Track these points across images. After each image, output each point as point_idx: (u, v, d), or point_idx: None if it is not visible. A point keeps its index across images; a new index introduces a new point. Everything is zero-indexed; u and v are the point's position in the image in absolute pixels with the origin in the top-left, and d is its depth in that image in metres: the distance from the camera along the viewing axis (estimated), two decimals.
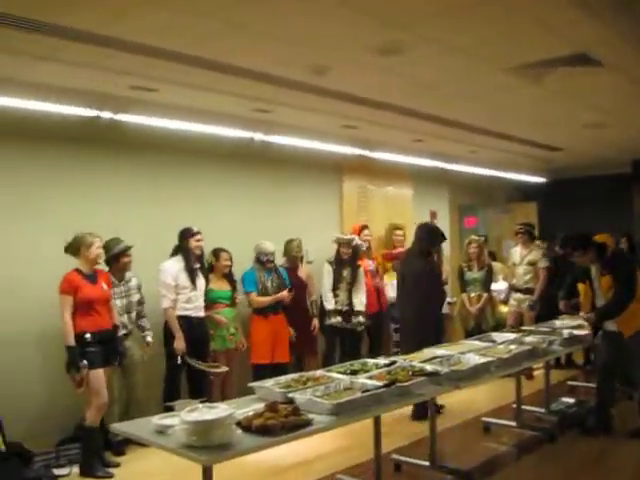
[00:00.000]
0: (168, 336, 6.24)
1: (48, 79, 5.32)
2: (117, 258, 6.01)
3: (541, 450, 5.74)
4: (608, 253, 5.94)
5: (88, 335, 5.28)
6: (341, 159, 8.75)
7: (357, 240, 7.74)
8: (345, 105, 6.47)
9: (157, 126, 6.35)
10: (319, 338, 7.72)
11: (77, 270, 5.39)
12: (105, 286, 5.54)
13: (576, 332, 6.16)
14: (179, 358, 6.15)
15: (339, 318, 7.47)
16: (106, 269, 5.94)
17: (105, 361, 5.41)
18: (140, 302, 6.22)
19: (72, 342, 5.22)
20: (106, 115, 5.90)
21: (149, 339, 6.22)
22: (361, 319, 7.59)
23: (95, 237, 5.43)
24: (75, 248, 5.40)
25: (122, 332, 5.92)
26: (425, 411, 5.62)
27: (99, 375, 5.33)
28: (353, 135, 8.10)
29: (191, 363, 6.16)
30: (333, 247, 7.74)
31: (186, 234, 6.33)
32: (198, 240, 6.33)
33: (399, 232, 8.95)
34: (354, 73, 5.53)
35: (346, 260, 7.63)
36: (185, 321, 6.22)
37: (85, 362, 5.20)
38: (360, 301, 7.63)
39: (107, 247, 5.89)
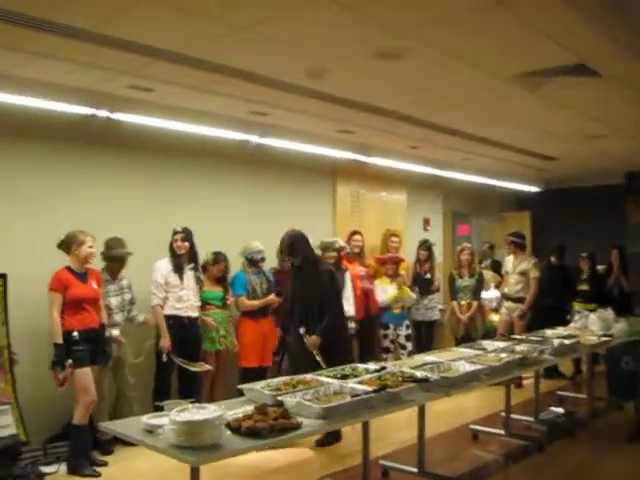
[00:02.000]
0: (158, 335, 6.24)
1: (45, 76, 5.31)
2: (113, 259, 6.03)
3: (529, 459, 5.73)
4: None
5: (75, 333, 5.28)
6: (335, 163, 8.76)
7: (340, 242, 7.70)
8: (341, 109, 6.47)
9: (153, 126, 6.35)
10: None
11: (67, 268, 5.39)
12: (95, 285, 5.53)
13: (567, 342, 6.17)
14: (164, 356, 6.15)
15: None
16: (102, 264, 5.98)
17: (92, 360, 5.39)
18: (131, 301, 6.23)
19: (60, 340, 5.22)
20: (102, 114, 5.90)
21: (140, 318, 6.23)
22: (352, 324, 7.56)
23: (87, 235, 5.42)
24: (67, 245, 5.40)
25: (116, 332, 5.93)
26: (332, 437, 5.70)
27: (86, 373, 5.31)
28: (348, 139, 8.10)
29: (176, 361, 6.15)
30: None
31: (172, 234, 6.35)
32: (176, 240, 6.33)
33: (395, 239, 8.95)
34: (351, 77, 5.53)
35: (332, 264, 7.60)
36: (175, 320, 6.22)
37: (70, 361, 5.19)
38: (350, 305, 7.59)
39: (108, 245, 5.96)
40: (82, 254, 5.40)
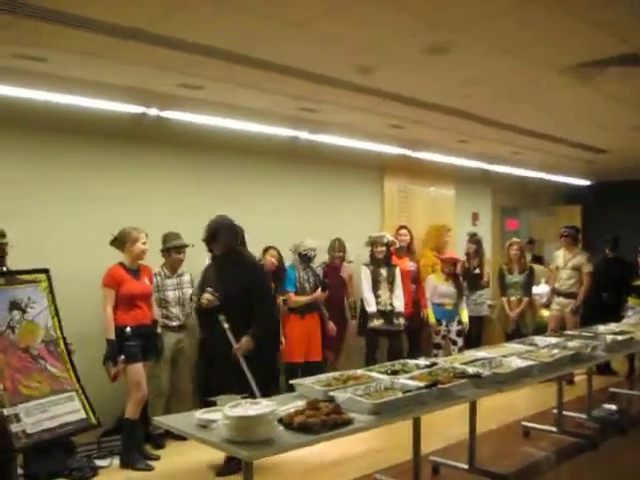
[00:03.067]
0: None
1: (97, 76, 5.40)
2: (169, 252, 6.13)
3: (581, 457, 5.66)
4: None
5: (128, 329, 5.36)
6: (383, 158, 8.74)
7: (388, 237, 7.70)
8: (390, 104, 6.46)
9: (202, 123, 6.41)
10: (359, 340, 7.71)
11: (121, 264, 5.48)
12: (147, 282, 5.62)
13: (619, 338, 6.07)
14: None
15: (381, 320, 7.44)
16: (162, 261, 6.11)
17: (144, 356, 5.47)
18: (192, 298, 6.26)
19: (112, 335, 5.31)
20: (153, 112, 5.98)
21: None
22: (402, 320, 7.57)
23: (141, 232, 5.50)
24: (121, 242, 5.48)
25: (175, 323, 6.06)
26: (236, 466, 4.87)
27: (138, 369, 5.40)
28: (397, 135, 8.08)
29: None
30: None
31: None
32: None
33: (450, 234, 8.95)
34: (400, 72, 5.51)
35: (382, 259, 7.61)
36: None
37: (122, 356, 5.28)
38: (399, 301, 7.60)
39: (164, 239, 6.11)
40: (136, 251, 5.48)
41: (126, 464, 5.39)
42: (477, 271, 8.72)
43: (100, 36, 4.35)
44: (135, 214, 6.07)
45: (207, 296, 5.32)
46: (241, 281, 5.31)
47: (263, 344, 5.33)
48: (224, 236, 5.34)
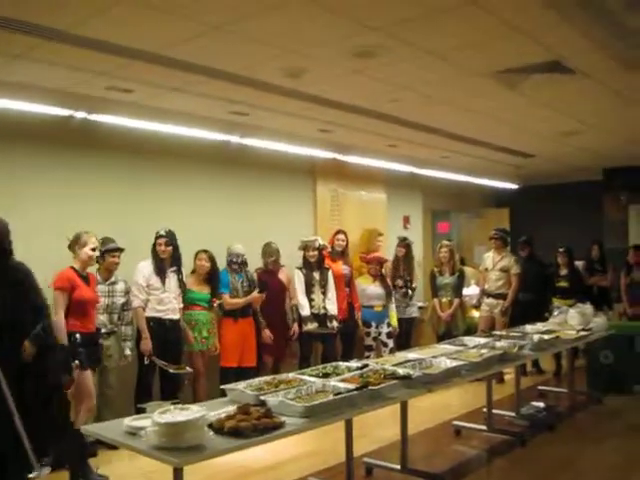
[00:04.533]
0: (139, 337, 6.23)
1: (22, 78, 5.28)
2: (103, 256, 5.98)
3: (512, 454, 5.77)
4: None
5: (78, 335, 5.14)
6: (314, 162, 8.78)
7: (320, 241, 7.73)
8: (320, 109, 6.49)
9: (132, 127, 6.33)
10: (295, 343, 7.71)
11: (73, 268, 5.22)
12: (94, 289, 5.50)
13: (546, 337, 6.21)
14: (146, 358, 6.14)
15: (315, 324, 7.45)
16: (96, 266, 5.95)
17: (90, 364, 5.31)
18: (125, 307, 6.20)
19: (66, 341, 5.02)
20: (80, 115, 5.88)
21: (127, 352, 6.19)
22: (335, 323, 7.60)
23: (91, 237, 5.26)
24: (72, 245, 5.26)
25: (102, 331, 5.89)
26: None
27: (89, 376, 5.24)
28: (327, 139, 8.11)
29: (157, 363, 6.13)
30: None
31: (155, 237, 6.34)
32: (160, 244, 6.31)
33: (381, 238, 9.04)
34: (329, 76, 5.54)
35: (314, 263, 7.63)
36: (156, 322, 6.21)
37: (77, 362, 5.07)
38: (332, 304, 7.64)
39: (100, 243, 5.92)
40: (83, 255, 5.21)
41: (81, 477, 5.11)
42: (405, 286, 8.76)
43: (25, 37, 4.26)
44: (61, 219, 5.98)
45: None
46: (7, 284, 4.57)
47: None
48: None
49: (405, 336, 8.59)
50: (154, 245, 6.32)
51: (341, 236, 8.35)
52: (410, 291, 8.68)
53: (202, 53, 4.83)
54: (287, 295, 7.66)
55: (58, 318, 5.03)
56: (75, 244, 5.25)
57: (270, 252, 7.47)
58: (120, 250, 6.07)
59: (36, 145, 6.07)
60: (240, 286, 6.98)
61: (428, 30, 4.46)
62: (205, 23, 4.22)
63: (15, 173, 5.92)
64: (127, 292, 6.22)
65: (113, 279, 6.13)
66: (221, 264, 6.98)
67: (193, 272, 6.76)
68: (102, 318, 5.96)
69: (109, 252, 6.01)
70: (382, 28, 4.39)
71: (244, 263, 7.07)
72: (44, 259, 5.32)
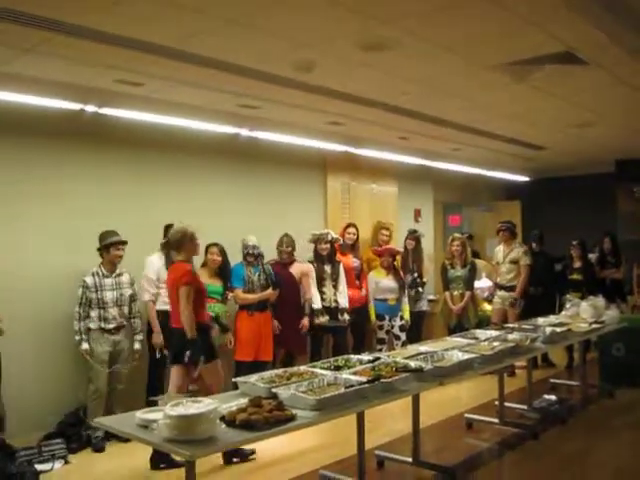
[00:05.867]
0: (150, 331, 6.26)
1: (32, 72, 5.28)
2: (107, 249, 5.99)
3: (523, 447, 5.76)
4: None
5: (203, 326, 5.18)
6: (325, 155, 8.76)
7: (332, 234, 7.72)
8: (330, 101, 6.47)
9: (142, 120, 6.34)
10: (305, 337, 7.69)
11: (185, 262, 5.22)
12: None
13: (558, 330, 6.19)
14: (157, 352, 6.15)
15: (327, 317, 7.45)
16: (99, 260, 5.99)
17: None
18: (133, 298, 6.21)
19: (195, 334, 4.99)
20: (90, 109, 5.89)
21: (137, 346, 6.20)
22: (346, 316, 7.60)
23: (194, 229, 5.30)
24: (178, 242, 5.24)
25: (112, 325, 5.96)
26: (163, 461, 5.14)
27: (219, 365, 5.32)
28: (338, 131, 8.09)
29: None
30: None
31: (169, 229, 6.32)
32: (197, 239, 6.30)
33: (385, 232, 8.97)
34: (339, 69, 5.52)
35: (325, 256, 7.62)
36: (167, 316, 6.20)
37: (202, 356, 5.04)
38: (343, 297, 7.63)
39: (101, 237, 5.98)
40: (195, 249, 5.33)
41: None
42: (415, 274, 8.73)
43: (35, 30, 4.26)
44: (73, 214, 6.02)
45: None
46: None
47: None
48: None
49: (415, 329, 8.58)
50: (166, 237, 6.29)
51: (352, 229, 8.35)
52: (420, 288, 8.65)
53: (213, 46, 4.83)
54: (301, 288, 7.63)
55: (189, 312, 4.99)
56: (184, 240, 5.21)
57: (287, 242, 7.41)
58: (124, 243, 6.06)
59: (46, 139, 6.07)
60: (257, 279, 6.93)
61: (437, 23, 4.43)
62: (216, 17, 4.21)
63: (22, 169, 5.92)
64: (132, 283, 6.23)
65: (118, 271, 6.13)
66: (232, 257, 6.96)
67: (203, 265, 6.75)
68: (113, 312, 6.00)
69: (113, 245, 6.00)
70: (391, 21, 4.37)
71: (260, 255, 6.99)
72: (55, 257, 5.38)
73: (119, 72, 5.33)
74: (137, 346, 6.20)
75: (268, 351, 6.94)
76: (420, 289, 8.66)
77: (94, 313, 5.92)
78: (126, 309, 6.14)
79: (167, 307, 6.16)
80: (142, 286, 6.25)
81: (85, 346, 5.86)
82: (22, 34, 4.32)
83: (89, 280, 5.95)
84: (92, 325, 5.93)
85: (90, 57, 4.92)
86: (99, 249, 6.02)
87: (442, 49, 4.99)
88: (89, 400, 5.89)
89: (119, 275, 6.13)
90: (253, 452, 5.43)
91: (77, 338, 5.88)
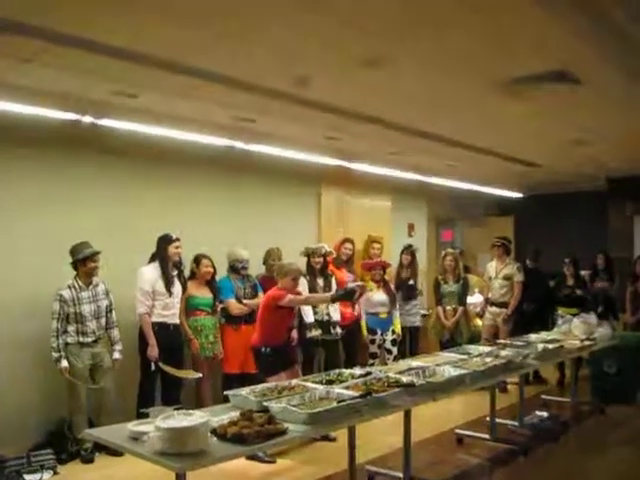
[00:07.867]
0: (143, 342, 6.21)
1: (28, 82, 5.27)
2: (84, 262, 5.87)
3: (514, 463, 5.76)
4: None
5: None
6: (320, 170, 8.76)
7: (326, 247, 7.73)
8: (327, 116, 6.48)
9: (138, 132, 6.33)
10: (297, 350, 7.67)
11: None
12: None
13: (550, 346, 6.20)
14: (152, 365, 6.12)
15: (319, 331, 7.44)
16: (73, 273, 5.90)
17: None
18: (109, 308, 6.12)
19: None
20: (87, 120, 5.88)
21: (117, 355, 6.12)
22: (338, 330, 7.59)
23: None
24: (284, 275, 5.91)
25: (90, 339, 5.90)
26: None
27: None
28: (334, 146, 8.09)
29: (165, 369, 6.12)
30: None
31: (165, 241, 6.32)
32: (177, 247, 6.33)
33: (376, 245, 8.96)
34: (336, 84, 5.54)
35: (318, 270, 7.63)
36: (161, 327, 6.21)
37: None
38: (336, 311, 7.63)
39: (74, 251, 5.84)
40: (293, 289, 5.95)
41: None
42: (411, 282, 8.76)
43: (31, 40, 4.25)
44: (68, 224, 6.01)
45: None
46: None
47: None
48: None
49: (409, 345, 8.58)
50: (163, 249, 6.31)
51: (349, 245, 8.36)
52: (415, 298, 8.66)
53: (209, 59, 4.83)
54: None
55: None
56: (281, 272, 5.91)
57: (274, 256, 7.43)
58: (97, 253, 5.91)
59: (40, 150, 6.08)
60: (242, 292, 6.96)
61: (434, 40, 4.45)
62: (212, 30, 4.21)
63: (18, 179, 5.92)
64: (107, 293, 6.11)
65: (94, 282, 6.01)
66: (222, 270, 6.97)
67: (192, 277, 6.74)
68: (91, 326, 5.91)
69: (89, 257, 5.88)
70: (388, 37, 4.37)
71: (245, 268, 7.05)
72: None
73: (115, 83, 5.33)
74: (116, 355, 6.11)
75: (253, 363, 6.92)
76: (415, 301, 8.68)
77: (72, 327, 5.81)
78: (103, 321, 6.05)
79: (162, 319, 6.21)
80: (137, 298, 6.20)
81: (65, 364, 5.70)
82: (18, 44, 4.29)
83: (66, 294, 5.80)
84: (70, 340, 5.80)
85: (87, 68, 4.91)
86: (72, 263, 5.88)
87: (439, 66, 5.00)
88: (72, 415, 5.82)
89: (95, 286, 6.01)
90: None
91: (55, 355, 5.70)
